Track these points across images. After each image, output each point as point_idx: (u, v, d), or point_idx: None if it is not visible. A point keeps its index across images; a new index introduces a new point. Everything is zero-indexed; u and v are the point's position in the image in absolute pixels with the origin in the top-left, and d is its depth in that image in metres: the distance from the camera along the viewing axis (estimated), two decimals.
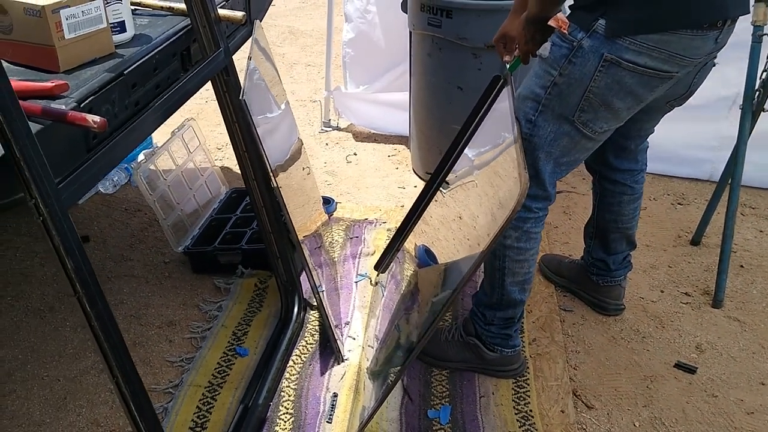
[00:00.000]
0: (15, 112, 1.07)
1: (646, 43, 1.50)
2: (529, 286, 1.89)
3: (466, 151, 2.12)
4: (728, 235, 2.30)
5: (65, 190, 1.19)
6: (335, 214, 2.77)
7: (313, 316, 2.20)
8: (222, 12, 1.85)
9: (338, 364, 2.00)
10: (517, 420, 1.84)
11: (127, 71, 1.49)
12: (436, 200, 2.19)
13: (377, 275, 2.37)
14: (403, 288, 2.36)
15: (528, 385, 1.95)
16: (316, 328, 2.15)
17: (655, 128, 1.98)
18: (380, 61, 3.45)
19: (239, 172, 2.91)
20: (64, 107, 1.28)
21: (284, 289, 2.15)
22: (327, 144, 3.42)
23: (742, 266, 2.51)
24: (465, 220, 2.04)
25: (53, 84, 1.31)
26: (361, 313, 2.21)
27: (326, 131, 3.55)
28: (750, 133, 2.27)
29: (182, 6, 1.83)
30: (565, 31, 1.59)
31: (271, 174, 1.77)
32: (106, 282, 2.38)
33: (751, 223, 2.80)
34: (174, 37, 1.73)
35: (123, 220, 2.71)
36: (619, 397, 1.94)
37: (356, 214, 2.78)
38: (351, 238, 2.61)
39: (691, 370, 2.03)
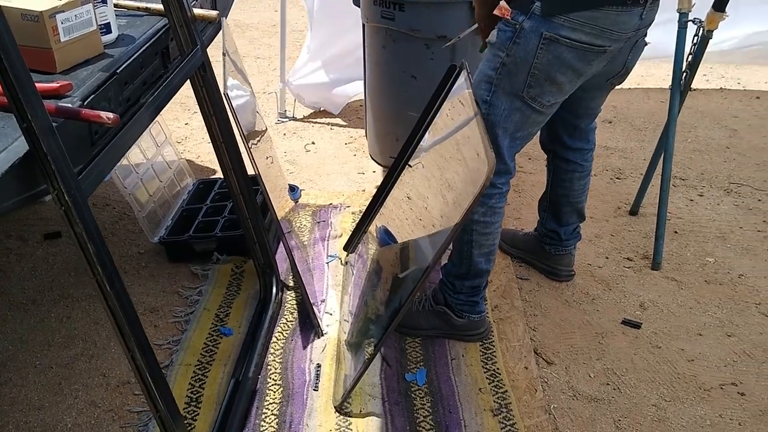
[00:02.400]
0: (40, 111, 1.18)
1: (579, 19, 1.69)
2: (494, 256, 2.07)
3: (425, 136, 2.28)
4: (663, 203, 2.53)
5: (84, 181, 1.30)
6: (300, 201, 2.91)
7: (290, 296, 2.34)
8: (197, 11, 1.96)
9: (318, 338, 2.15)
10: (486, 378, 2.02)
11: (119, 70, 1.60)
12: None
13: (347, 255, 2.52)
14: (369, 266, 2.51)
15: (494, 346, 2.14)
16: (294, 306, 2.29)
17: (601, 107, 2.19)
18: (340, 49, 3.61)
19: (200, 164, 3.02)
20: (70, 105, 1.39)
21: (262, 271, 2.28)
22: (285, 134, 3.54)
23: (676, 232, 2.76)
24: (414, 201, 2.21)
25: (59, 84, 1.41)
26: (335, 291, 2.36)
27: (282, 122, 3.67)
28: (678, 112, 2.51)
29: (158, 7, 1.94)
30: (509, 17, 1.78)
31: (253, 161, 1.90)
32: (84, 274, 2.45)
33: (682, 193, 3.06)
34: (155, 37, 1.83)
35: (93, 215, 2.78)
36: (575, 352, 2.15)
37: (321, 200, 2.92)
38: (318, 222, 2.75)
39: (637, 326, 2.25)
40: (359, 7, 3.07)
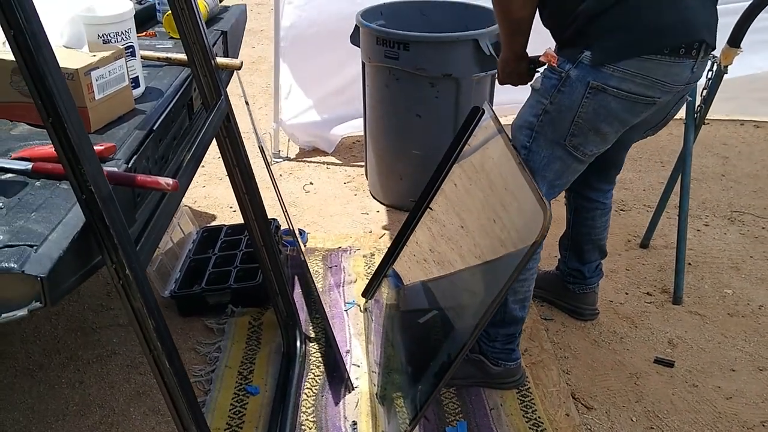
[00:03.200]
0: (101, 179, 1.10)
1: (629, 69, 1.66)
2: (528, 303, 2.02)
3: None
4: (682, 237, 2.53)
5: (141, 252, 1.21)
6: (308, 245, 2.83)
7: (313, 348, 2.25)
8: (220, 60, 1.89)
9: (349, 392, 2.07)
10: (529, 427, 1.96)
11: (155, 126, 1.52)
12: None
13: (366, 302, 2.45)
14: (384, 312, 2.44)
15: (531, 393, 2.08)
16: (320, 359, 2.20)
17: None
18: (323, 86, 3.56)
19: (199, 210, 2.93)
20: (116, 169, 1.30)
21: (285, 323, 2.19)
22: (281, 175, 3.46)
23: (690, 264, 2.75)
24: (440, 245, 2.17)
25: (104, 146, 1.33)
26: (358, 340, 2.28)
27: (277, 162, 3.59)
28: (693, 143, 2.52)
29: (180, 56, 1.87)
30: (555, 65, 1.75)
31: (284, 209, 1.83)
32: (91, 333, 2.34)
33: (688, 223, 3.06)
34: (182, 89, 1.76)
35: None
36: (613, 395, 2.11)
37: (329, 243, 2.85)
38: (330, 267, 2.67)
39: (670, 364, 2.22)
40: (358, 46, 3.03)
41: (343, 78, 3.51)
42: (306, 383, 2.10)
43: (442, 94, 2.83)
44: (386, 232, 2.94)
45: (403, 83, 2.84)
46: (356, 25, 2.99)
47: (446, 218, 2.16)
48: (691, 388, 2.13)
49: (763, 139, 3.94)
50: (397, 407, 2.00)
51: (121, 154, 1.36)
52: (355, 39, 3.05)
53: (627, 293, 2.58)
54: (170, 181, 1.21)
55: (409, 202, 3.03)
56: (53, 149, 1.05)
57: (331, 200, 3.24)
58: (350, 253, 2.76)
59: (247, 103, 1.97)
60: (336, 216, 3.11)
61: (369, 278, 2.57)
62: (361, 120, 3.34)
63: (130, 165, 1.34)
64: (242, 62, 1.91)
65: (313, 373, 2.14)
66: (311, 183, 3.39)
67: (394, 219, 3.04)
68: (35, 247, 1.04)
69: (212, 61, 1.81)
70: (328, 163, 3.59)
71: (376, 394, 2.06)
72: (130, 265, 1.15)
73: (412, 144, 2.96)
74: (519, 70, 1.93)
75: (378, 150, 3.10)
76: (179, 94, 1.72)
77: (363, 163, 3.43)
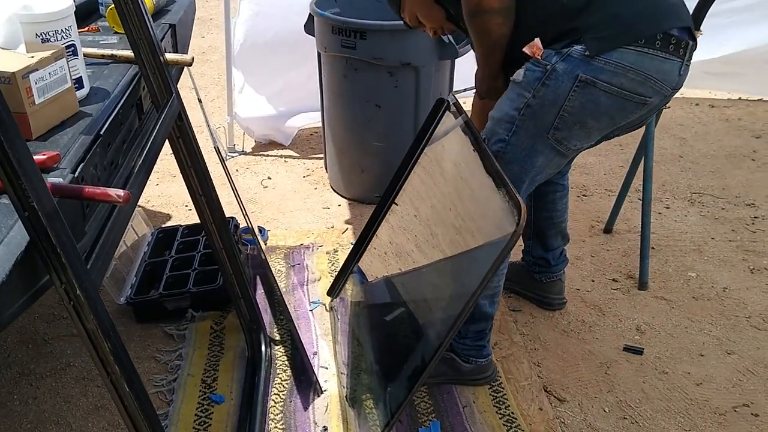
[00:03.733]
0: (44, 194, 1.01)
1: (622, 62, 1.61)
2: (498, 298, 1.98)
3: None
4: (646, 222, 2.52)
5: (93, 270, 1.13)
6: (269, 243, 2.75)
7: (279, 351, 2.18)
8: (170, 56, 1.79)
9: (318, 396, 2.01)
10: (503, 424, 1.93)
11: (103, 131, 1.42)
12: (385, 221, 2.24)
13: (331, 301, 2.39)
14: (350, 310, 2.38)
15: (503, 389, 2.05)
16: (286, 363, 2.14)
17: None
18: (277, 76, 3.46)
19: (153, 210, 2.83)
20: (61, 180, 1.21)
21: (248, 328, 2.12)
22: (237, 170, 3.37)
23: (653, 247, 2.74)
24: (406, 241, 2.12)
25: (46, 156, 1.23)
26: (325, 341, 2.22)
27: (233, 156, 3.49)
28: (655, 126, 2.51)
29: (125, 53, 1.77)
30: (539, 57, 1.69)
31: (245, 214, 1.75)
32: (43, 345, 2.23)
33: (652, 207, 3.07)
34: (129, 88, 1.66)
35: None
36: (584, 386, 2.09)
37: (290, 241, 2.77)
38: (293, 266, 2.60)
39: (639, 352, 2.21)
40: (312, 35, 2.95)
41: (299, 69, 3.41)
42: (273, 389, 2.03)
43: (402, 84, 2.77)
44: (349, 226, 2.87)
45: (361, 73, 2.76)
46: (310, 14, 2.90)
47: (413, 213, 2.11)
48: (661, 375, 2.12)
49: (717, 119, 3.98)
50: (368, 409, 1.95)
51: (66, 162, 1.27)
52: (309, 28, 2.97)
53: (593, 280, 2.57)
54: (121, 192, 1.12)
55: (372, 195, 2.99)
56: None
57: (291, 195, 3.16)
58: (313, 250, 2.69)
59: (200, 101, 1.88)
60: (296, 212, 3.03)
61: (334, 276, 2.51)
62: (319, 112, 3.28)
63: (76, 175, 1.25)
64: (193, 58, 1.81)
65: (280, 378, 2.07)
66: (269, 178, 3.30)
67: (357, 213, 2.97)
68: None
69: (161, 58, 1.71)
70: (285, 157, 3.50)
71: (346, 397, 2.01)
72: (81, 285, 1.07)
73: (373, 135, 2.90)
74: (497, 85, 1.86)
75: (338, 142, 3.02)
76: (127, 93, 1.62)
77: (322, 156, 3.35)
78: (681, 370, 2.14)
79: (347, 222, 2.91)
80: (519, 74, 1.74)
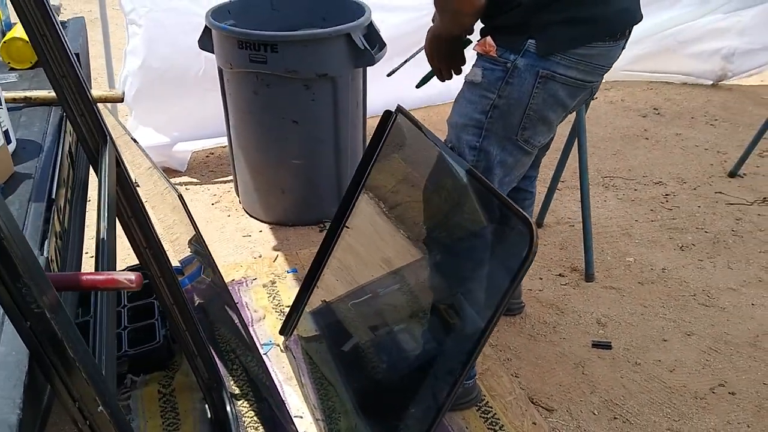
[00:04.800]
0: (48, 292, 0.78)
1: (574, 56, 1.57)
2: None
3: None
4: (587, 214, 2.52)
5: (108, 376, 0.90)
6: (194, 283, 2.48)
7: (242, 406, 1.96)
8: (97, 93, 1.54)
9: None
10: None
11: (54, 195, 1.17)
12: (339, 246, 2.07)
13: (285, 340, 2.19)
14: (308, 346, 2.20)
15: (491, 408, 1.96)
16: (254, 418, 1.92)
17: None
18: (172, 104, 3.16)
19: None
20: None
21: (207, 387, 1.88)
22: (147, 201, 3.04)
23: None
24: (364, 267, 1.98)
25: None
26: (291, 387, 2.03)
27: None
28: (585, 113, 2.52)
29: (42, 93, 1.49)
30: (494, 55, 1.60)
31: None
32: None
33: (568, 195, 3.10)
34: (60, 136, 1.39)
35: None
36: (567, 391, 2.04)
37: None
38: None
39: (608, 346, 2.20)
40: (209, 51, 2.71)
41: (191, 90, 3.13)
42: None
43: (319, 96, 2.60)
44: (278, 253, 2.66)
45: (274, 89, 2.56)
46: (206, 28, 2.66)
47: (376, 234, 1.96)
48: (635, 367, 2.12)
49: (603, 102, 4.12)
50: None
51: (29, 241, 1.01)
52: (205, 43, 2.72)
53: (541, 278, 2.54)
54: (132, 276, 0.90)
55: (297, 217, 2.81)
56: None
57: (204, 225, 2.90)
58: (247, 285, 2.47)
59: (135, 140, 1.62)
60: (215, 243, 2.77)
61: (279, 312, 2.31)
62: (217, 134, 3.06)
63: (45, 255, 1.01)
64: (124, 92, 1.56)
65: None
66: (174, 208, 3.01)
67: (282, 237, 2.77)
68: None
69: (90, 96, 1.46)
70: (186, 184, 3.21)
71: None
72: (104, 400, 0.84)
73: (291, 153, 2.71)
74: (454, 48, 1.74)
75: (251, 164, 2.80)
76: (62, 143, 1.36)
77: (229, 179, 3.11)
78: (651, 359, 2.15)
79: (275, 249, 2.71)
80: (476, 74, 1.65)
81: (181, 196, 1.44)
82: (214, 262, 1.64)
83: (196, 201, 3.08)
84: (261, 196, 2.85)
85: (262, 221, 2.89)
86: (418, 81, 1.89)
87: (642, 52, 4.10)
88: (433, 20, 1.76)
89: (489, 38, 1.60)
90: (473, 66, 1.69)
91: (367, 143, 2.50)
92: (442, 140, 1.72)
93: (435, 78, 1.84)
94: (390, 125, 1.91)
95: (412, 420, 1.65)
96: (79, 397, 0.84)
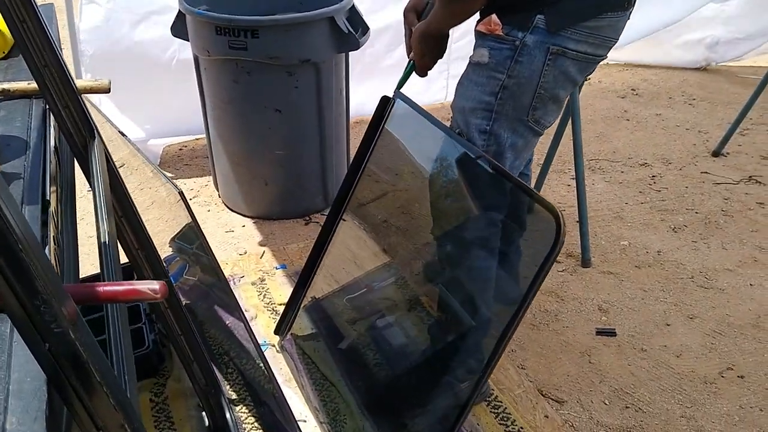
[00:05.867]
0: (69, 307, 0.67)
1: (584, 30, 1.50)
2: (492, 301, 1.81)
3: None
4: (582, 199, 2.47)
5: (132, 399, 0.80)
6: (182, 283, 2.37)
7: (241, 412, 1.86)
8: (83, 83, 1.41)
9: None
10: None
11: (48, 196, 1.06)
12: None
13: (280, 340, 2.09)
14: (304, 345, 2.11)
15: (501, 402, 1.89)
16: (256, 425, 1.82)
17: None
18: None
19: None
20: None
21: (204, 393, 1.78)
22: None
23: (578, 221, 2.71)
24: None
25: None
26: (290, 389, 1.93)
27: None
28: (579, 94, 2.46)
29: (20, 85, 1.37)
30: (501, 33, 1.52)
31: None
32: None
33: (557, 180, 3.05)
34: (47, 131, 1.27)
35: None
36: (576, 381, 1.98)
37: None
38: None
39: (612, 333, 2.15)
40: (182, 38, 2.58)
41: (162, 81, 2.99)
42: None
43: (302, 83, 2.49)
44: (264, 248, 2.56)
45: (255, 76, 2.44)
46: (180, 13, 2.52)
47: (377, 226, 1.88)
48: (641, 354, 2.07)
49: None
50: None
51: None
52: (179, 30, 2.58)
53: (525, 275, 2.47)
54: (156, 285, 0.79)
55: (280, 210, 2.71)
56: None
57: (182, 221, 2.76)
58: (235, 283, 2.36)
59: (122, 134, 1.50)
60: None
61: (271, 310, 2.21)
62: (181, 127, 2.94)
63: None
64: (110, 81, 1.44)
65: None
66: (153, 202, 2.87)
67: (268, 232, 2.66)
68: None
69: (75, 87, 1.33)
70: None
71: None
72: (133, 427, 0.74)
73: (274, 143, 2.59)
74: (442, 46, 1.68)
75: (232, 156, 2.68)
76: (50, 139, 1.24)
77: (207, 173, 2.98)
78: (657, 345, 2.11)
79: (261, 244, 2.60)
80: (483, 55, 1.58)
81: (181, 193, 1.32)
82: (215, 259, 1.52)
83: (171, 196, 2.94)
84: (243, 190, 2.73)
85: (244, 215, 2.78)
86: (397, 83, 1.80)
87: (625, 42, 4.05)
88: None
89: (494, 17, 1.52)
90: (477, 47, 1.61)
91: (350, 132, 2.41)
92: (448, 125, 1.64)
93: (413, 75, 1.77)
94: (388, 112, 1.83)
95: (428, 419, 1.57)
96: (103, 426, 0.74)
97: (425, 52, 1.69)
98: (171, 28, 2.61)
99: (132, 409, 0.77)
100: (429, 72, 1.75)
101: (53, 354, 0.66)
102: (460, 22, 1.60)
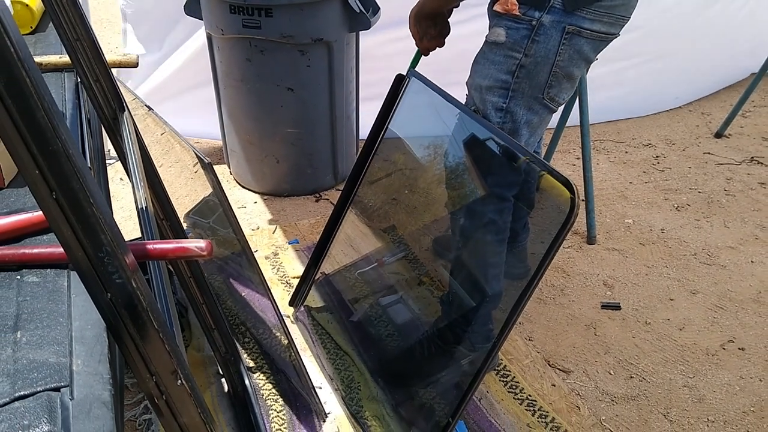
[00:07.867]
0: (130, 261, 0.73)
1: (599, 9, 1.55)
2: (503, 274, 1.87)
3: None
4: (588, 178, 2.52)
5: (181, 346, 0.86)
6: None
7: (259, 379, 1.92)
8: (113, 57, 1.46)
9: (324, 421, 1.79)
10: (525, 409, 1.83)
11: (90, 165, 1.11)
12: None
13: (294, 311, 2.15)
14: (318, 317, 2.17)
15: (510, 371, 1.95)
16: (273, 391, 1.89)
17: None
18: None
19: None
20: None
21: (224, 361, 1.84)
22: (121, 179, 2.95)
23: (583, 200, 2.77)
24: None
25: None
26: (306, 358, 1.99)
27: (110, 163, 3.05)
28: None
29: (53, 59, 1.41)
30: (517, 13, 1.57)
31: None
32: None
33: (561, 159, 3.10)
34: (80, 103, 1.32)
35: None
36: (581, 352, 2.05)
37: (218, 251, 2.46)
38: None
39: (617, 307, 2.21)
40: (196, 17, 2.62)
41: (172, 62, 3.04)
42: (273, 423, 1.78)
43: (315, 62, 2.53)
44: (276, 224, 2.61)
45: (268, 55, 2.49)
46: None
47: (391, 201, 1.93)
48: (645, 327, 2.14)
49: None
50: (380, 426, 1.77)
51: None
52: (192, 9, 2.62)
53: (542, 242, 2.53)
54: (202, 243, 0.85)
55: (292, 187, 2.75)
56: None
57: (196, 197, 2.82)
58: None
59: (149, 108, 1.55)
60: None
61: (284, 283, 2.27)
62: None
63: None
64: (138, 56, 1.49)
65: (275, 410, 1.83)
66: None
67: (279, 208, 2.71)
68: (67, 388, 0.67)
69: (106, 61, 1.38)
70: (177, 157, 3.12)
71: (353, 415, 1.81)
72: (185, 373, 0.80)
73: (286, 122, 2.64)
74: (439, 27, 1.73)
75: (244, 134, 2.72)
76: (84, 111, 1.29)
77: (219, 149, 3.03)
78: (661, 318, 2.17)
79: (272, 220, 2.65)
80: (499, 34, 1.62)
81: (210, 165, 1.37)
82: (241, 230, 1.58)
83: (184, 173, 2.99)
84: (254, 167, 2.78)
85: (255, 192, 2.83)
86: (408, 65, 1.85)
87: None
88: None
89: None
90: (492, 26, 1.66)
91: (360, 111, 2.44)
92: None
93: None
94: (403, 89, 1.87)
95: (441, 387, 1.63)
96: (156, 371, 0.79)
97: (422, 34, 1.75)
98: (184, 7, 2.65)
99: (183, 357, 0.82)
100: (443, 51, 1.79)
101: (114, 303, 0.72)
102: (451, 3, 1.65)
